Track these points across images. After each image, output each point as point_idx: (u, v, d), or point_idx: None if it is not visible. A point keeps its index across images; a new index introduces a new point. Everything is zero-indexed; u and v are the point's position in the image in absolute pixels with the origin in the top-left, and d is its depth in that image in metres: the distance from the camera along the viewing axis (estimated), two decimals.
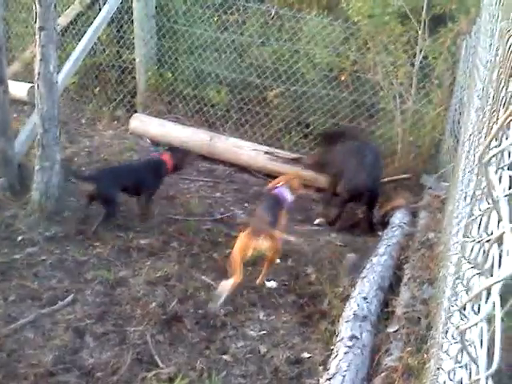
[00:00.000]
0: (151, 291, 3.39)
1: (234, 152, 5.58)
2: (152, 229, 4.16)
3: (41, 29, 4.04)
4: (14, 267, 3.56)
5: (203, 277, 3.64)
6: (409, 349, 2.79)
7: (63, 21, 6.91)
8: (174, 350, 2.98)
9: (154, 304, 3.27)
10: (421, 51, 5.18)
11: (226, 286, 3.31)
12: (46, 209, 4.14)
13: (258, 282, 3.62)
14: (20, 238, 3.86)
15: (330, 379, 2.61)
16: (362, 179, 4.54)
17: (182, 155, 4.54)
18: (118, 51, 6.77)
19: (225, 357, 2.97)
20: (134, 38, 6.50)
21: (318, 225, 4.68)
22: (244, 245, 3.44)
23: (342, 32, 5.73)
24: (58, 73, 4.38)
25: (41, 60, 4.09)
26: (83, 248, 3.83)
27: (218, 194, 5.01)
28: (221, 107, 6.18)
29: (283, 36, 6.10)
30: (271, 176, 5.34)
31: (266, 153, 5.45)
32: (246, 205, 4.86)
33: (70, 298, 3.30)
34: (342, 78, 5.82)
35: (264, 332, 3.20)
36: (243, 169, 5.57)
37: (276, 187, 3.99)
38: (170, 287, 3.46)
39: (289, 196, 3.95)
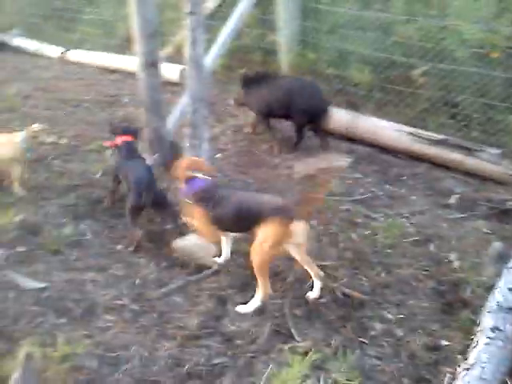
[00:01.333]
0: (290, 266, 3.47)
1: (376, 132, 5.49)
2: None
3: (190, 13, 4.24)
4: (165, 236, 3.84)
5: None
6: None
7: (211, 4, 7.21)
8: (310, 325, 3.05)
9: (292, 279, 3.37)
10: None
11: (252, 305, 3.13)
12: None
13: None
14: (171, 210, 4.15)
15: (468, 369, 2.53)
16: (313, 100, 5.31)
17: (136, 129, 4.36)
18: (262, 33, 6.92)
19: (360, 337, 2.98)
20: (277, 19, 6.60)
21: (452, 203, 4.49)
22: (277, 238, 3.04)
23: (494, 6, 5.37)
24: (206, 55, 4.59)
25: (190, 43, 4.31)
26: None
27: (357, 175, 4.97)
28: (363, 86, 6.09)
29: (430, 12, 5.85)
30: (414, 158, 5.22)
31: (410, 133, 5.29)
32: (386, 186, 4.78)
33: (214, 268, 3.50)
34: (494, 55, 5.46)
35: (402, 316, 3.17)
36: (384, 150, 5.46)
37: (192, 181, 3.45)
38: None
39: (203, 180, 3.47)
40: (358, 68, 6.12)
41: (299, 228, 3.08)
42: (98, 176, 4.66)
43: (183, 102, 5.01)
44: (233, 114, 6.33)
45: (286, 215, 3.04)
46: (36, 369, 2.47)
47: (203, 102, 4.44)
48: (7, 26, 10.36)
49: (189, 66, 4.37)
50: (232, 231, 3.42)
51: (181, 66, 6.30)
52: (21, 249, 3.63)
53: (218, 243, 3.57)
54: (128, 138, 4.17)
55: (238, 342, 2.91)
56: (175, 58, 6.82)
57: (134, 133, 4.28)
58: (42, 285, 3.26)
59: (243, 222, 3.20)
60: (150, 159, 4.75)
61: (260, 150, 5.40)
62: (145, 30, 4.63)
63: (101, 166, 4.79)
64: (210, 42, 5.61)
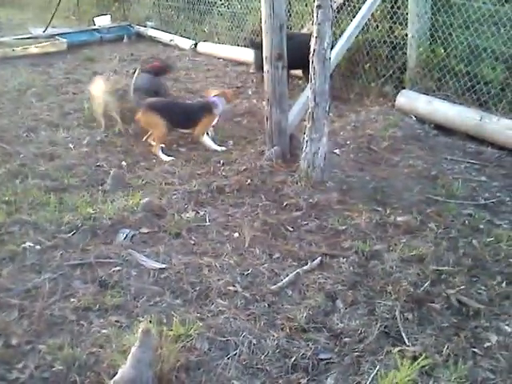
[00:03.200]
0: (404, 269, 3.40)
1: (506, 134, 5.17)
2: (410, 207, 4.14)
3: (318, 7, 4.23)
4: (279, 228, 3.90)
5: None
6: None
7: None
8: (421, 331, 2.95)
9: (405, 282, 3.27)
10: None
11: None
12: (311, 178, 4.42)
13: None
14: (287, 202, 4.21)
15: None
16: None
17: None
18: (390, 27, 6.75)
19: (474, 347, 2.85)
20: (407, 13, 6.41)
21: None
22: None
23: None
24: (331, 49, 4.56)
25: (316, 37, 4.30)
26: (342, 218, 4.00)
27: (483, 178, 4.72)
28: (495, 85, 5.75)
29: None
30: None
31: None
32: None
33: (318, 261, 3.51)
34: None
35: None
36: None
37: (212, 96, 5.35)
38: (423, 267, 3.41)
39: (221, 105, 5.31)
40: (491, 65, 5.78)
41: None
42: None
43: (305, 95, 5.03)
44: (354, 110, 6.26)
45: None
46: (152, 345, 2.62)
47: (325, 96, 4.43)
48: (143, 17, 11.01)
49: (313, 60, 4.37)
50: None
51: None
52: (145, 230, 3.87)
53: None
54: None
55: (346, 339, 2.88)
56: None
57: None
58: (162, 266, 3.45)
59: None
60: (268, 151, 4.85)
61: (380, 147, 5.29)
62: (272, 23, 4.70)
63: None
64: (336, 36, 5.58)
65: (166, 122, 5.16)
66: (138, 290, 3.23)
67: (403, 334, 2.91)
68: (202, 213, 4.10)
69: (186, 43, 9.56)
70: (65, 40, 9.61)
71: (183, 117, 5.34)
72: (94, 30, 10.55)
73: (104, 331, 2.89)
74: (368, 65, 6.84)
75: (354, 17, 6.20)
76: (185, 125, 5.39)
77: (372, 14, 6.41)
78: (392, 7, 6.62)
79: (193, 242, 3.75)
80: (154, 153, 5.17)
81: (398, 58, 6.62)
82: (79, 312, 3.04)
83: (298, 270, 3.41)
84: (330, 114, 4.74)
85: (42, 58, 8.89)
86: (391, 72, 6.63)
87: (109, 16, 11.11)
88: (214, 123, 5.36)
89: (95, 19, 11.12)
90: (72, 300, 3.12)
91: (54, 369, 2.65)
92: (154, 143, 5.25)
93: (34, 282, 3.27)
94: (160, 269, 3.42)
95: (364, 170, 4.82)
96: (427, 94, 6.03)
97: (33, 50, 9.20)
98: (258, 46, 6.54)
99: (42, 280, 3.28)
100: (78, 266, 3.44)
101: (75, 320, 2.98)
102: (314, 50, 4.32)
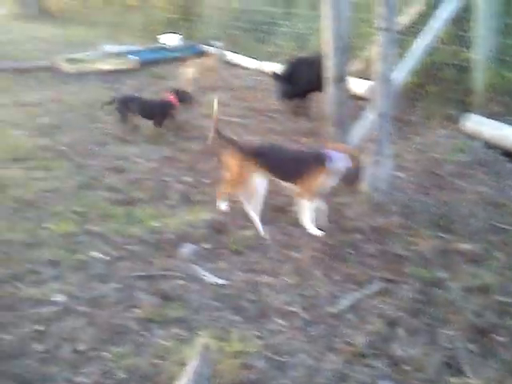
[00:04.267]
0: (468, 298, 3.32)
1: None
2: (475, 234, 4.04)
3: (383, 29, 4.24)
4: (340, 250, 3.89)
5: None
6: None
7: (405, 19, 7.11)
8: (484, 363, 2.86)
9: (468, 311, 3.20)
10: None
11: None
12: (373, 200, 4.40)
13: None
14: (348, 224, 4.20)
15: None
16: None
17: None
18: (457, 49, 6.66)
19: None
20: (474, 36, 6.31)
21: None
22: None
23: None
24: (395, 71, 4.54)
25: (380, 59, 4.30)
26: (404, 242, 3.95)
27: None
28: None
29: None
30: None
31: None
32: None
33: (378, 286, 3.47)
34: None
35: None
36: None
37: (332, 150, 4.04)
38: (487, 297, 3.32)
39: (344, 162, 3.99)
40: None
41: None
42: None
43: (368, 116, 5.02)
44: (417, 133, 6.18)
45: None
46: (211, 360, 2.67)
47: (387, 118, 4.41)
48: (209, 37, 11.28)
49: (377, 81, 4.37)
50: None
51: (368, 81, 6.30)
52: (207, 245, 3.94)
53: None
54: None
55: (405, 367, 2.84)
56: (364, 72, 6.85)
57: None
58: (223, 282, 3.51)
59: None
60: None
61: (444, 171, 5.20)
62: (336, 44, 4.74)
63: None
64: (400, 57, 5.54)
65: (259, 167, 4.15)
66: (198, 304, 3.30)
67: (464, 365, 2.84)
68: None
69: (251, 63, 9.73)
70: (138, 58, 9.95)
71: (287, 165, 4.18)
72: (164, 48, 10.87)
73: (165, 343, 2.97)
74: (433, 87, 6.75)
75: (418, 39, 6.15)
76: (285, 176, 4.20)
77: (438, 36, 6.34)
78: (459, 29, 6.54)
79: (253, 260, 3.79)
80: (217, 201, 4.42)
81: (464, 80, 6.51)
82: (142, 323, 3.13)
83: (357, 294, 3.39)
84: (394, 136, 4.70)
85: (113, 75, 9.23)
86: (457, 95, 6.51)
87: (178, 35, 11.42)
88: (323, 184, 4.11)
89: (161, 37, 11.47)
90: (135, 310, 3.22)
91: (116, 376, 2.74)
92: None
93: (101, 291, 3.40)
94: (221, 285, 3.48)
95: (428, 194, 4.74)
96: (494, 119, 5.88)
97: (106, 66, 9.55)
98: (279, 78, 7.08)
99: (108, 290, 3.41)
100: (143, 277, 3.55)
101: (138, 330, 3.08)
102: (377, 72, 4.32)
